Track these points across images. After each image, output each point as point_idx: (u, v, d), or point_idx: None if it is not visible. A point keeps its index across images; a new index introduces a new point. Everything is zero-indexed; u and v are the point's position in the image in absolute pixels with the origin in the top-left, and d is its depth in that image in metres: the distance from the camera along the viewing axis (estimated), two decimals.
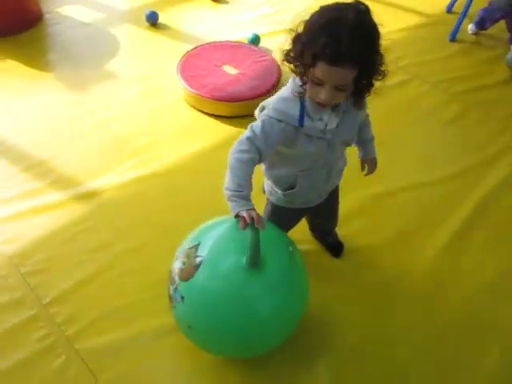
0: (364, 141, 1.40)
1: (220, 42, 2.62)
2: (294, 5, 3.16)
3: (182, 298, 1.22)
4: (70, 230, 1.80)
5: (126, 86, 2.48)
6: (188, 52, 2.51)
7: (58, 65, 2.59)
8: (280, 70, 2.43)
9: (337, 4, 1.03)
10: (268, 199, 1.43)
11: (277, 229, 1.29)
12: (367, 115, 1.34)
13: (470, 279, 1.72)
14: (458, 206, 1.98)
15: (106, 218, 1.86)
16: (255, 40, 2.71)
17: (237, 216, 1.08)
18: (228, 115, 2.29)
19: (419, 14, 3.28)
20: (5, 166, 2.02)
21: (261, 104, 1.24)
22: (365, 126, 1.35)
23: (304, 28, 1.04)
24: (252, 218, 1.05)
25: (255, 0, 3.20)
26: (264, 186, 1.44)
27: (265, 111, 1.15)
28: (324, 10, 1.02)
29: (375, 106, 1.34)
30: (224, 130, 2.25)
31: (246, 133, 1.14)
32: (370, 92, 1.12)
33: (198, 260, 1.20)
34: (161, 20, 2.90)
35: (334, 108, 1.13)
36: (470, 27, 3.13)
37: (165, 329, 1.48)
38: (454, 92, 2.58)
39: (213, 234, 1.25)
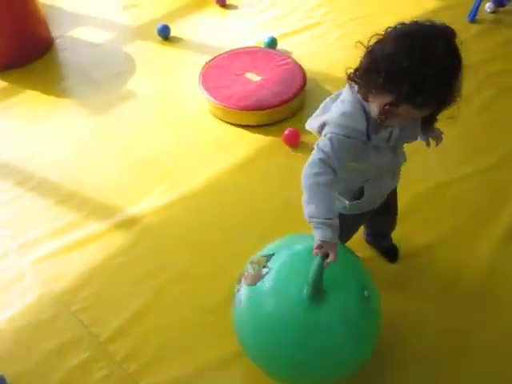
0: None
1: (238, 49, 2.55)
2: (303, 5, 3.10)
3: (240, 301, 1.19)
4: (114, 261, 1.75)
5: (147, 105, 2.43)
6: (207, 63, 2.45)
7: (75, 90, 2.55)
8: (304, 72, 2.36)
9: (423, 35, 0.93)
10: None
11: (360, 270, 1.22)
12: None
13: None
14: (508, 196, 1.90)
15: (147, 244, 1.80)
16: (272, 43, 2.65)
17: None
18: (255, 124, 2.23)
19: None
20: (39, 201, 1.97)
21: (319, 120, 1.14)
22: None
23: (383, 57, 0.95)
24: (327, 254, 1.01)
25: (263, 3, 3.13)
26: None
27: (328, 128, 1.09)
28: (407, 42, 0.93)
29: None
30: (255, 139, 2.19)
31: (316, 154, 1.07)
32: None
33: (264, 270, 1.17)
34: (172, 33, 2.84)
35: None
36: (488, 5, 3.03)
37: (229, 356, 1.42)
38: (483, 77, 2.49)
39: (290, 249, 1.22)
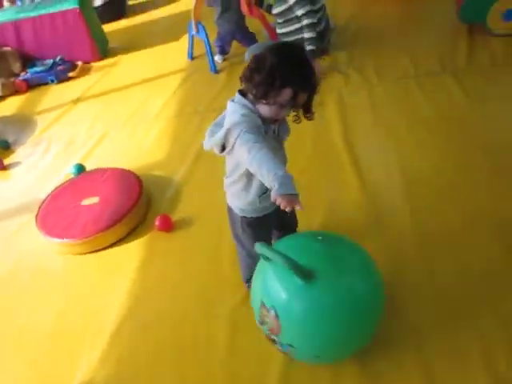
0: None
1: (56, 188, 2.49)
2: (79, 130, 3.21)
3: (291, 345, 1.27)
4: None
5: None
6: (40, 208, 2.36)
7: None
8: (133, 173, 2.45)
9: (289, 47, 1.32)
10: (238, 218, 1.55)
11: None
12: None
13: None
14: None
15: None
16: (80, 169, 2.65)
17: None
18: (117, 239, 2.20)
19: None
20: None
21: (221, 133, 1.31)
22: None
23: (268, 67, 1.25)
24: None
25: (41, 146, 3.11)
26: (231, 207, 1.56)
27: (237, 129, 1.27)
28: (283, 53, 1.27)
29: None
30: (131, 250, 2.16)
31: (248, 143, 1.23)
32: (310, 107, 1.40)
33: (272, 312, 1.26)
34: None
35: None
36: (217, 58, 3.66)
37: None
38: None
39: (265, 283, 1.32)
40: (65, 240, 2.16)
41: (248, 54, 3.42)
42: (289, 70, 1.25)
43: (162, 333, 1.73)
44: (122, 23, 5.04)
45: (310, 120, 1.43)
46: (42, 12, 3.95)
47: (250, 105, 1.31)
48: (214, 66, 3.55)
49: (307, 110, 1.39)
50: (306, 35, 3.08)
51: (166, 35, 4.43)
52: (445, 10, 3.58)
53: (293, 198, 1.14)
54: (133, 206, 2.23)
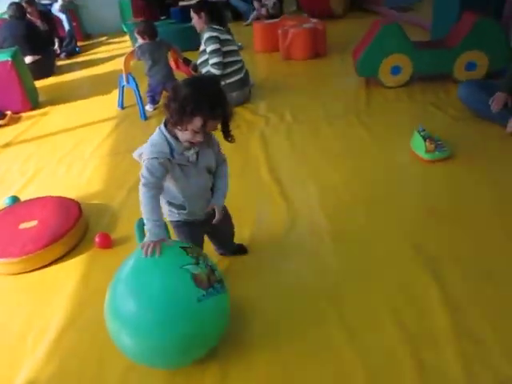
0: (216, 184, 1.73)
1: None
2: (12, 165, 3.25)
3: None
4: None
5: None
6: None
7: None
8: (77, 203, 2.55)
9: (200, 80, 1.59)
10: (171, 222, 1.77)
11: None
12: (222, 158, 1.74)
13: None
14: None
15: None
16: (14, 200, 2.70)
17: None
18: (57, 257, 2.26)
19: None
20: None
21: (137, 152, 1.63)
22: (220, 163, 1.73)
23: (182, 97, 1.43)
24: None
25: None
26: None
27: (144, 156, 1.53)
28: (195, 85, 1.47)
29: None
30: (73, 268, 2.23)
31: (140, 180, 1.52)
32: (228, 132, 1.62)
33: None
34: None
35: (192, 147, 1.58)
36: (148, 107, 3.94)
37: None
38: None
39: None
40: (3, 259, 2.18)
41: None
42: (199, 99, 1.41)
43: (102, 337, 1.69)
44: (51, 80, 5.23)
45: (232, 143, 1.64)
46: None
47: (165, 132, 1.52)
48: (144, 114, 3.82)
49: (226, 135, 1.61)
50: (210, 61, 3.51)
51: (96, 89, 4.69)
52: (347, 67, 4.24)
53: (155, 244, 1.44)
54: (72, 227, 2.32)
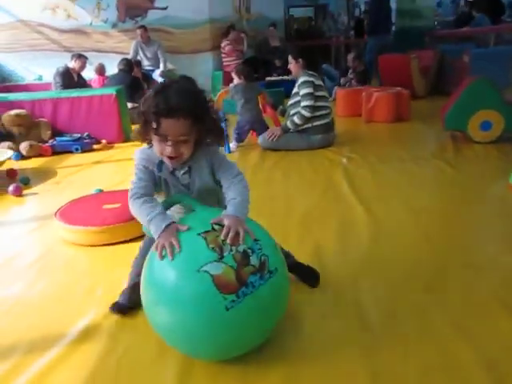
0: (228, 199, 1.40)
1: (76, 199, 2.59)
2: (96, 180, 3.42)
3: None
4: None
5: None
6: (58, 210, 2.40)
7: None
8: None
9: (164, 85, 1.34)
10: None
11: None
12: (234, 174, 1.43)
13: None
14: None
15: None
16: (101, 191, 2.79)
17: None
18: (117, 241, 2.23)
19: None
20: None
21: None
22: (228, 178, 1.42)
23: (143, 104, 1.33)
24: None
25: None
26: None
27: (135, 162, 1.43)
28: (155, 86, 1.35)
29: None
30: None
31: (129, 193, 1.38)
32: (216, 139, 1.42)
33: None
34: None
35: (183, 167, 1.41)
36: (233, 144, 4.08)
37: None
38: None
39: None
40: (83, 227, 2.20)
41: (261, 139, 3.88)
42: (146, 100, 1.30)
43: None
44: None
45: (221, 146, 1.47)
46: (82, 94, 4.52)
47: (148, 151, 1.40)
48: (229, 148, 3.95)
49: (215, 137, 1.41)
50: (302, 103, 3.65)
51: None
52: (433, 129, 4.22)
53: (167, 238, 1.22)
54: None
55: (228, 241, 1.21)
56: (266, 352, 1.35)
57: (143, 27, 6.83)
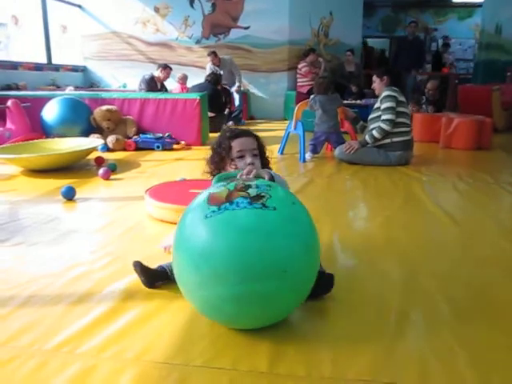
0: None
1: (163, 183, 2.73)
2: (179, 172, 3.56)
3: None
4: None
5: None
6: (148, 189, 2.54)
7: None
8: None
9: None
10: None
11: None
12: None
13: None
14: None
15: None
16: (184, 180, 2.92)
17: None
18: None
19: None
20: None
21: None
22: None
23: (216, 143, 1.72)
24: None
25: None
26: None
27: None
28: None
29: None
30: None
31: None
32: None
33: None
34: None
35: None
36: (307, 155, 4.13)
37: None
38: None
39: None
40: (173, 205, 2.31)
41: (338, 150, 3.90)
42: (223, 132, 1.72)
43: None
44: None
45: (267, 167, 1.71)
46: (168, 97, 4.77)
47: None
48: (304, 158, 4.00)
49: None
50: (383, 117, 3.67)
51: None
52: None
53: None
54: None
55: (244, 171, 1.44)
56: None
57: (213, 53, 6.93)
